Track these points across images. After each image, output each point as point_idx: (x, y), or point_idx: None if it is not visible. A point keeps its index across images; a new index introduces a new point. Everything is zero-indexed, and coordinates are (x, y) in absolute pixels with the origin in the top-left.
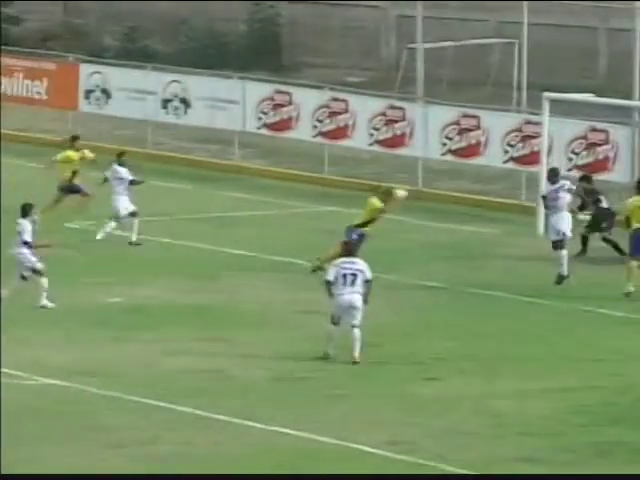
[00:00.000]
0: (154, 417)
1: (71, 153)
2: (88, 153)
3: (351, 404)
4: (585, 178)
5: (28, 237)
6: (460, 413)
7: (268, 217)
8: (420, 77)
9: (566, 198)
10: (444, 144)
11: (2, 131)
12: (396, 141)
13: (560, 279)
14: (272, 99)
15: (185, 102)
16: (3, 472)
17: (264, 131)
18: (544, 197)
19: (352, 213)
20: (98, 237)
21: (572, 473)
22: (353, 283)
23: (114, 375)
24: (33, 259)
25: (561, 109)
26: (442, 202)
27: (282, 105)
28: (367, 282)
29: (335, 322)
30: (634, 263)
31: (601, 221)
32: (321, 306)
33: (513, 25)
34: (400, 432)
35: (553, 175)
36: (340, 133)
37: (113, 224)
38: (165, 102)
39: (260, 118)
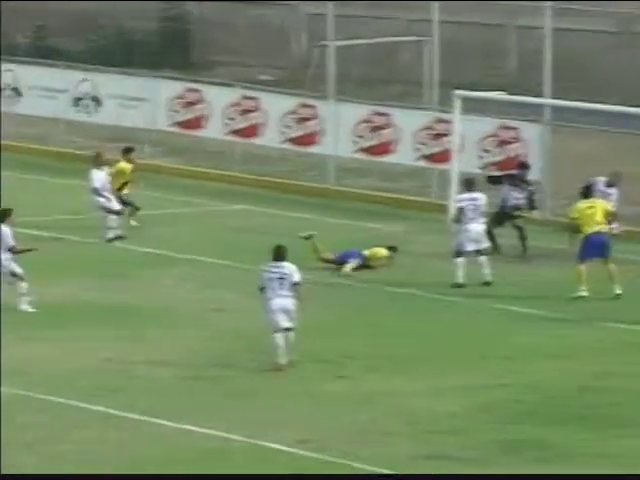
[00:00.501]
0: (64, 416)
1: (124, 165)
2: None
3: (261, 402)
4: (523, 165)
5: (12, 242)
6: (371, 411)
7: (179, 215)
8: (331, 75)
9: (482, 208)
10: (355, 142)
11: None
12: (307, 139)
13: (485, 284)
14: (183, 97)
15: (96, 100)
16: (3, 472)
17: (175, 129)
18: (461, 209)
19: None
20: None
21: (480, 470)
22: (281, 287)
23: (23, 374)
24: (13, 264)
25: (472, 107)
26: (353, 200)
27: (193, 103)
28: (295, 285)
29: (276, 330)
30: (583, 267)
31: (510, 212)
32: (230, 304)
33: (423, 23)
34: (310, 430)
35: (470, 184)
36: (251, 131)
37: None
38: (76, 100)
39: (171, 116)
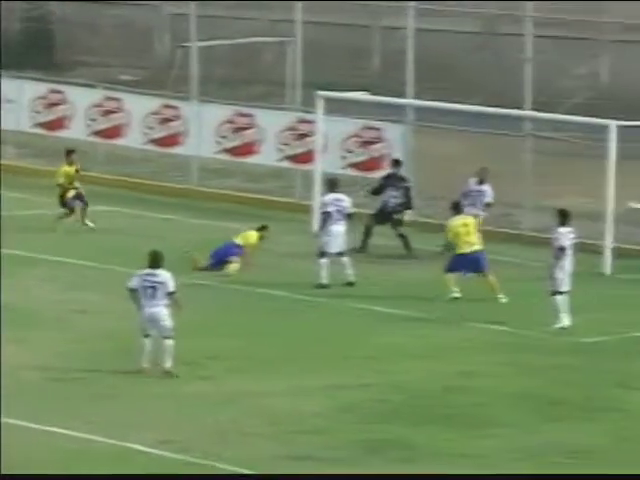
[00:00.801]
0: None
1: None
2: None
3: (124, 404)
4: (397, 162)
5: None
6: (233, 411)
7: (42, 217)
8: (194, 75)
9: (345, 209)
10: (218, 142)
11: None
12: (170, 140)
13: (349, 284)
14: (46, 98)
15: None
16: (3, 472)
17: (38, 130)
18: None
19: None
20: None
21: (345, 470)
22: (153, 296)
23: None
24: None
25: (335, 107)
26: (217, 201)
27: (56, 104)
28: (170, 294)
29: (145, 334)
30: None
31: (391, 212)
32: (93, 305)
33: (286, 23)
34: (173, 431)
35: (333, 185)
36: (114, 132)
37: None
38: None
39: (34, 117)
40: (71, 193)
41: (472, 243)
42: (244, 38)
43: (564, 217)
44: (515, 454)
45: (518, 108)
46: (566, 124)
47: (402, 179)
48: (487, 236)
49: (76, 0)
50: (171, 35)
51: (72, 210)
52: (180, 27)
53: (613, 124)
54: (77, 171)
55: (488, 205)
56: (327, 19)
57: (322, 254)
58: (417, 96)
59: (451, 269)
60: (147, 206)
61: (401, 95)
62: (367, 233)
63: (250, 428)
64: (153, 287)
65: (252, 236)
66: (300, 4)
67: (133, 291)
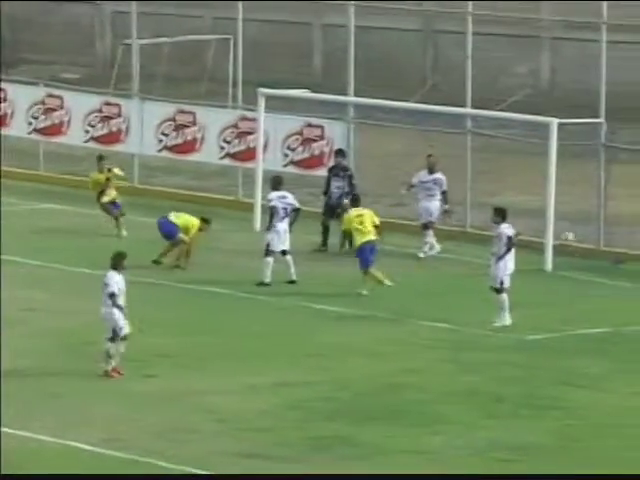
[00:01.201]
0: None
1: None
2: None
3: (68, 402)
4: (340, 152)
5: None
6: (179, 409)
7: None
8: (136, 73)
9: (290, 206)
10: (160, 140)
11: None
12: (112, 138)
13: (291, 282)
14: None
15: None
16: (3, 472)
17: None
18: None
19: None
20: None
21: (291, 468)
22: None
23: None
24: None
25: (277, 105)
26: (159, 198)
27: None
28: (111, 296)
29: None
30: (371, 270)
31: (336, 206)
32: (41, 304)
33: (228, 21)
34: (116, 429)
35: (277, 183)
36: (55, 130)
37: None
38: None
39: None
40: (105, 198)
41: (366, 233)
42: (186, 36)
43: (503, 214)
44: (461, 450)
45: (459, 106)
46: (507, 121)
47: (345, 168)
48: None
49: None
50: (113, 33)
51: (115, 216)
52: (122, 25)
53: (554, 121)
54: (108, 179)
55: (444, 193)
56: (269, 17)
57: (268, 252)
58: (359, 93)
59: (367, 266)
60: (90, 204)
61: (343, 93)
62: (325, 231)
63: (196, 426)
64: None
65: (192, 222)
66: (241, 2)
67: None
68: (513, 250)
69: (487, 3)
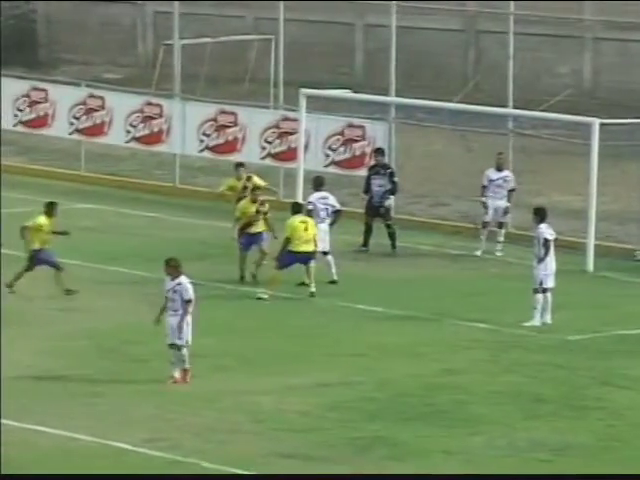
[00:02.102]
0: None
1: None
2: (258, 180)
3: (109, 402)
4: (379, 151)
5: None
6: (219, 409)
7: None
8: (177, 74)
9: (331, 207)
10: (202, 141)
11: None
12: (153, 138)
13: (332, 282)
14: (28, 96)
15: None
16: (3, 472)
17: (20, 128)
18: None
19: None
20: None
21: (332, 468)
22: (174, 303)
23: None
24: None
25: (318, 105)
26: (199, 199)
27: (38, 102)
28: (187, 302)
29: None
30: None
31: (378, 206)
32: (76, 303)
33: (270, 21)
34: (159, 429)
35: (318, 183)
36: (97, 130)
37: None
38: None
39: (16, 115)
40: (252, 229)
41: (308, 241)
42: (228, 36)
43: (542, 214)
44: (500, 451)
45: (501, 106)
46: (549, 122)
47: (386, 166)
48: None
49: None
50: (154, 33)
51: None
52: (163, 25)
53: (596, 122)
54: (245, 187)
55: (512, 191)
56: (310, 17)
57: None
58: (400, 94)
59: (282, 266)
60: (132, 204)
61: (384, 93)
62: (367, 230)
63: (236, 426)
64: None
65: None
66: (282, 2)
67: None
68: (552, 251)
69: (529, 3)
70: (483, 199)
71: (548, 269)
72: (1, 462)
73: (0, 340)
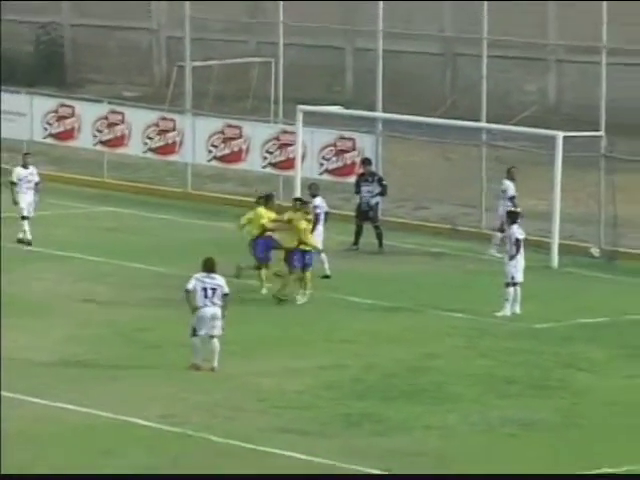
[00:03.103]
0: None
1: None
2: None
3: (128, 382)
4: (367, 161)
5: None
6: (226, 390)
7: (56, 217)
8: (188, 92)
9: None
10: (210, 151)
11: None
12: (168, 149)
13: (325, 277)
14: (56, 112)
15: None
16: (3, 472)
17: (50, 140)
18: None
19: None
20: None
21: (326, 441)
22: (213, 296)
23: None
24: None
25: (313, 120)
26: (210, 203)
27: (65, 117)
28: (225, 296)
29: (196, 334)
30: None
31: (367, 210)
32: (98, 296)
33: (270, 45)
34: (172, 407)
35: (314, 189)
36: (118, 142)
37: None
38: None
39: (46, 129)
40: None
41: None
42: (233, 59)
43: (514, 217)
44: (474, 427)
45: (475, 120)
46: (518, 134)
47: (373, 174)
48: (446, 233)
49: (84, 26)
50: (168, 56)
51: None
52: (176, 49)
53: (560, 135)
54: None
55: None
56: (307, 42)
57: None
58: (386, 110)
59: (260, 261)
60: (149, 208)
61: (372, 109)
62: (358, 231)
63: (241, 404)
64: (214, 289)
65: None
66: (281, 28)
67: (189, 292)
68: (522, 249)
69: (500, 29)
70: (513, 208)
71: (518, 265)
72: (1, 462)
73: (0, 329)
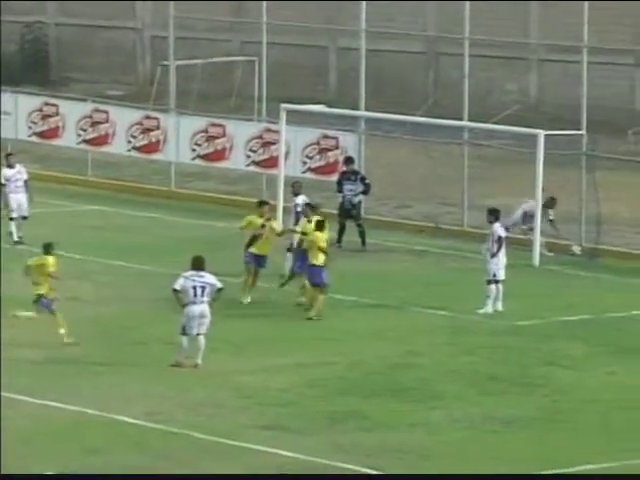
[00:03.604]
0: None
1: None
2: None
3: (114, 380)
4: (349, 159)
5: None
6: (211, 387)
7: (40, 215)
8: (172, 90)
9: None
10: (194, 150)
11: None
12: (152, 147)
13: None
14: (41, 110)
15: None
16: (3, 472)
17: (34, 139)
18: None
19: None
20: None
21: (310, 438)
22: (202, 294)
23: None
24: None
25: (297, 119)
26: (194, 201)
27: (50, 115)
28: (220, 290)
29: (185, 332)
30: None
31: (350, 209)
32: (83, 294)
33: (254, 44)
34: (157, 404)
35: (297, 187)
36: (102, 140)
37: None
38: None
39: (31, 127)
40: (253, 249)
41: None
42: (217, 58)
43: (496, 215)
44: (457, 423)
45: (457, 119)
46: (500, 133)
47: (355, 172)
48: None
49: (68, 25)
50: (152, 55)
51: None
52: (161, 48)
53: (541, 133)
54: (263, 226)
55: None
56: (290, 41)
57: (289, 249)
58: (369, 108)
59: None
60: (133, 206)
61: (355, 107)
62: (341, 229)
63: (224, 401)
64: (203, 287)
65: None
66: (265, 27)
67: (177, 292)
68: (504, 247)
69: (482, 29)
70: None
71: (500, 263)
72: (1, 462)
73: (0, 338)
